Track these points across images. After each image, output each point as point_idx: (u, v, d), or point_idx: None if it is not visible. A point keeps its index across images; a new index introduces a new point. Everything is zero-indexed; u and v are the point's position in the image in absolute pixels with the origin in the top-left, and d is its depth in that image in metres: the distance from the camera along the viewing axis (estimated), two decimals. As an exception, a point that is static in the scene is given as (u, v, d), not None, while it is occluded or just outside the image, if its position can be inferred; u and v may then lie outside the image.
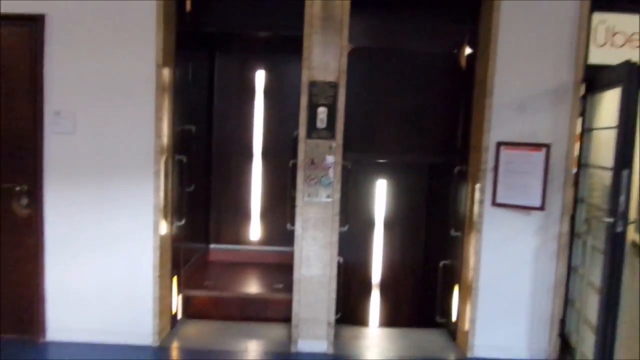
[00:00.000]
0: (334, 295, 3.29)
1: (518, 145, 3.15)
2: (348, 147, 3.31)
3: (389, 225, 4.37)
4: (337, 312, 3.33)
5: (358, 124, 3.63)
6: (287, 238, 3.71)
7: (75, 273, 3.26)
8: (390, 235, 4.38)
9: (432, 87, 3.85)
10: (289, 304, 3.40)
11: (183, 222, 3.56)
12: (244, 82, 4.56)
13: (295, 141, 3.31)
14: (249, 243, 4.68)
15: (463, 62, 3.59)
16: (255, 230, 4.67)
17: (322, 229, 3.26)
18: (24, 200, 3.25)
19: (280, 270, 4.16)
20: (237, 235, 4.67)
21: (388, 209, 4.33)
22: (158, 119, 3.16)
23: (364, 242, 4.31)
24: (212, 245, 4.69)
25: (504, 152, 3.18)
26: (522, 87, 3.17)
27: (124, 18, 3.13)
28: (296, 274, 3.28)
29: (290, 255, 3.36)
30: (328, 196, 3.22)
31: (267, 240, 4.67)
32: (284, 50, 4.30)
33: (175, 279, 3.56)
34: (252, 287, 4.09)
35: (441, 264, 3.69)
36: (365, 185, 4.27)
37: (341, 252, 3.35)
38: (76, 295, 3.27)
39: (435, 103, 3.88)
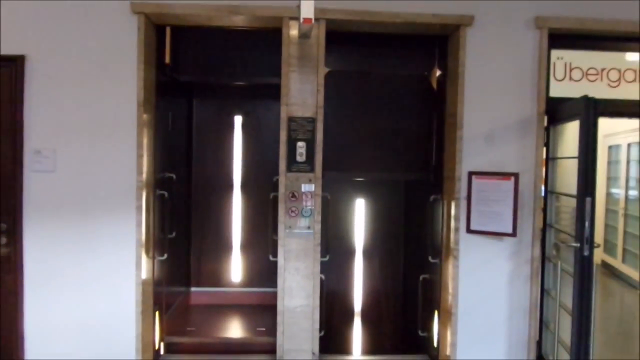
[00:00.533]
0: (317, 325, 3.34)
1: (488, 174, 3.31)
2: (326, 166, 3.39)
3: (368, 253, 4.48)
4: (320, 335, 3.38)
5: (335, 143, 3.68)
6: (269, 278, 3.75)
7: (55, 311, 3.23)
8: (370, 263, 4.49)
9: (406, 107, 3.89)
10: (272, 346, 3.43)
11: (165, 256, 3.58)
12: (222, 126, 4.61)
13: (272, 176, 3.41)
14: (231, 285, 4.64)
15: (434, 83, 3.74)
16: (236, 270, 4.63)
17: (304, 259, 3.33)
18: (3, 239, 3.23)
19: (263, 312, 4.23)
20: (218, 277, 4.63)
21: (367, 235, 4.46)
22: (139, 156, 3.21)
23: (344, 270, 4.39)
24: (193, 289, 4.63)
25: (475, 181, 3.33)
26: (489, 120, 3.36)
27: (105, 58, 3.20)
28: (279, 305, 3.32)
29: (273, 295, 3.40)
30: (309, 227, 3.30)
31: (249, 281, 4.65)
32: (260, 95, 4.46)
33: (157, 314, 3.55)
34: (235, 330, 4.06)
35: (421, 278, 3.79)
36: (344, 209, 4.38)
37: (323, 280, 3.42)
38: (57, 333, 3.23)
39: (410, 122, 3.95)
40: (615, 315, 4.75)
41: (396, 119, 3.87)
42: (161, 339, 3.63)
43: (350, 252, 4.41)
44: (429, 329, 3.76)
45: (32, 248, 3.22)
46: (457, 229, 3.35)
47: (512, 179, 3.23)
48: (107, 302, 3.24)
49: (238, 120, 4.59)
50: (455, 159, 3.34)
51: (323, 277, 3.41)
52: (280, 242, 3.30)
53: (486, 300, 3.38)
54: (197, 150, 4.62)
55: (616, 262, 6.56)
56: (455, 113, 3.33)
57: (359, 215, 4.41)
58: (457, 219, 3.35)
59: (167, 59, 3.61)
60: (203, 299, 4.62)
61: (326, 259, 3.56)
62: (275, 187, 3.37)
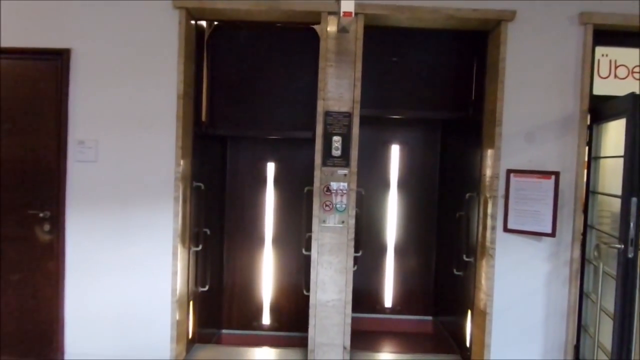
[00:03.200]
0: (349, 320, 3.33)
1: (528, 172, 3.24)
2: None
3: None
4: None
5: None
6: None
7: (94, 297, 3.32)
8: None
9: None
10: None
11: (200, 247, 3.63)
12: (254, 171, 4.32)
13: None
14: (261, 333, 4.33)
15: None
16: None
17: (337, 254, 3.33)
18: (46, 227, 3.34)
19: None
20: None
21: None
22: (178, 147, 3.27)
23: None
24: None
25: (514, 179, 3.27)
26: (530, 117, 3.29)
27: (147, 52, 3.28)
28: (312, 299, 3.33)
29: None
30: (343, 222, 3.30)
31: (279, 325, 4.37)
32: (291, 147, 4.25)
33: (192, 304, 3.61)
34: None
35: (457, 215, 3.77)
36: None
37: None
38: (95, 319, 3.33)
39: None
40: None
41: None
42: (195, 328, 3.69)
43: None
44: (462, 329, 3.72)
45: (74, 236, 3.33)
46: (493, 228, 3.29)
47: (553, 177, 3.15)
48: (143, 289, 3.32)
49: (270, 167, 4.32)
50: (494, 156, 3.28)
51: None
52: (314, 236, 3.31)
53: (522, 302, 3.31)
54: (229, 194, 4.34)
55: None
56: (495, 110, 3.27)
57: (394, 151, 4.47)
58: (494, 217, 3.29)
59: (204, 117, 3.71)
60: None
61: (359, 254, 3.56)
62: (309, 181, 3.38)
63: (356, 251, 3.47)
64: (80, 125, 3.32)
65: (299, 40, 3.64)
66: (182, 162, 3.29)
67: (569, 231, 3.26)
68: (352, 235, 3.32)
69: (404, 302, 4.43)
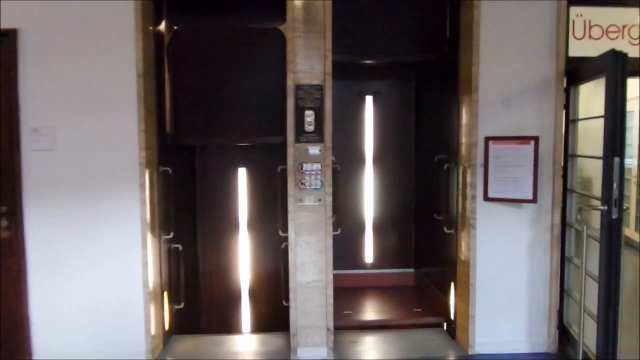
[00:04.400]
0: (331, 300, 3.23)
1: (506, 139, 3.17)
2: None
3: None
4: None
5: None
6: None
7: (61, 294, 3.13)
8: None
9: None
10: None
11: (171, 235, 3.46)
12: (226, 179, 4.12)
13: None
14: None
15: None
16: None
17: (315, 233, 3.21)
18: (3, 222, 3.11)
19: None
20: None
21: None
22: (141, 130, 3.07)
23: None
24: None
25: (492, 146, 3.19)
26: (506, 82, 3.20)
27: (101, 29, 3.05)
28: (292, 281, 3.21)
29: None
30: (319, 200, 3.18)
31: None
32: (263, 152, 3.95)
33: (166, 294, 3.46)
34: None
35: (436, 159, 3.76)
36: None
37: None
38: (63, 316, 3.14)
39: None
40: (630, 283, 4.65)
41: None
42: (172, 319, 3.54)
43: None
44: (445, 301, 3.67)
45: (35, 230, 3.11)
46: (473, 197, 3.22)
47: (532, 142, 3.08)
48: (113, 282, 3.14)
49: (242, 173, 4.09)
50: (471, 124, 3.19)
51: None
52: (290, 216, 3.18)
53: (505, 271, 3.27)
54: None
55: (629, 232, 6.43)
56: (470, 76, 3.17)
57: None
58: (473, 186, 3.21)
59: (168, 128, 3.50)
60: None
61: (338, 232, 3.45)
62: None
63: (335, 229, 3.37)
64: (34, 112, 3.07)
65: (265, 42, 3.49)
66: (146, 145, 3.09)
67: (548, 196, 3.21)
68: (330, 213, 3.20)
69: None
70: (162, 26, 3.43)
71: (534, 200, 3.10)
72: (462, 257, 3.35)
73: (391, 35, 3.55)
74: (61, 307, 3.14)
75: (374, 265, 4.57)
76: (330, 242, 3.22)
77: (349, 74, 4.32)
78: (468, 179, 3.25)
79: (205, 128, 3.60)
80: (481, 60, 3.14)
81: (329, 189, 3.18)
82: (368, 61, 3.88)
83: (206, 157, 4.06)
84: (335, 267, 3.28)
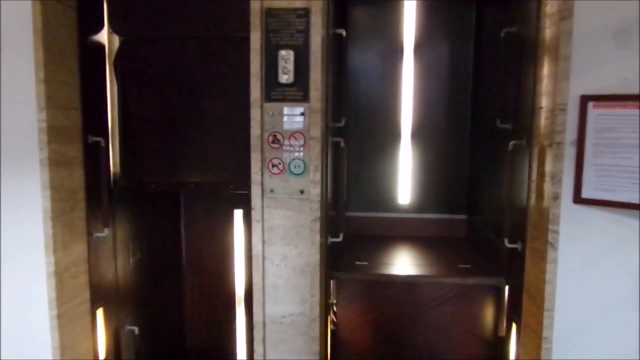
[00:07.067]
0: (317, 346, 2.11)
1: (619, 99, 1.85)
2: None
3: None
4: None
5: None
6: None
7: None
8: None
9: None
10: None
11: (106, 232, 2.48)
12: None
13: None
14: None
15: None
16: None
17: (295, 242, 2.09)
18: None
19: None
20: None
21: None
22: (40, 80, 2.07)
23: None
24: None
25: (593, 112, 1.89)
26: (619, 3, 1.86)
27: None
28: (256, 315, 2.12)
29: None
30: (302, 191, 2.05)
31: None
32: None
33: (102, 311, 2.51)
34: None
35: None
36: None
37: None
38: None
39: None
40: None
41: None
42: (109, 347, 2.59)
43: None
44: (504, 351, 2.44)
45: None
46: (556, 197, 1.93)
47: (670, 104, 1.75)
48: (11, 303, 2.22)
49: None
50: (557, 74, 1.89)
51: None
52: (255, 216, 2.07)
53: (605, 320, 1.98)
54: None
55: None
56: (559, -9, 1.86)
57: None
58: (556, 179, 1.93)
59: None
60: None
61: (339, 239, 2.31)
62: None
63: (335, 235, 2.25)
64: None
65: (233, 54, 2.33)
66: (47, 103, 2.10)
67: (693, 200, 1.86)
68: (318, 213, 2.06)
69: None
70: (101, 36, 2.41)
71: (668, 206, 1.78)
72: (532, 290, 2.09)
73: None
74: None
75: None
76: (318, 256, 2.08)
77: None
78: (548, 167, 1.96)
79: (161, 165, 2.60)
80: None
81: (316, 175, 2.03)
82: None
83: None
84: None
